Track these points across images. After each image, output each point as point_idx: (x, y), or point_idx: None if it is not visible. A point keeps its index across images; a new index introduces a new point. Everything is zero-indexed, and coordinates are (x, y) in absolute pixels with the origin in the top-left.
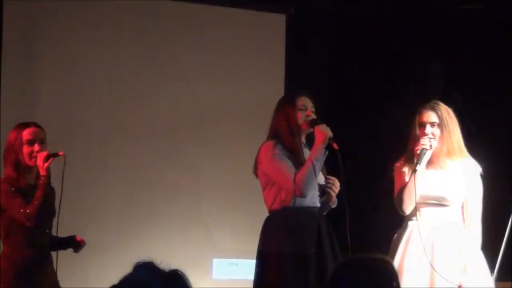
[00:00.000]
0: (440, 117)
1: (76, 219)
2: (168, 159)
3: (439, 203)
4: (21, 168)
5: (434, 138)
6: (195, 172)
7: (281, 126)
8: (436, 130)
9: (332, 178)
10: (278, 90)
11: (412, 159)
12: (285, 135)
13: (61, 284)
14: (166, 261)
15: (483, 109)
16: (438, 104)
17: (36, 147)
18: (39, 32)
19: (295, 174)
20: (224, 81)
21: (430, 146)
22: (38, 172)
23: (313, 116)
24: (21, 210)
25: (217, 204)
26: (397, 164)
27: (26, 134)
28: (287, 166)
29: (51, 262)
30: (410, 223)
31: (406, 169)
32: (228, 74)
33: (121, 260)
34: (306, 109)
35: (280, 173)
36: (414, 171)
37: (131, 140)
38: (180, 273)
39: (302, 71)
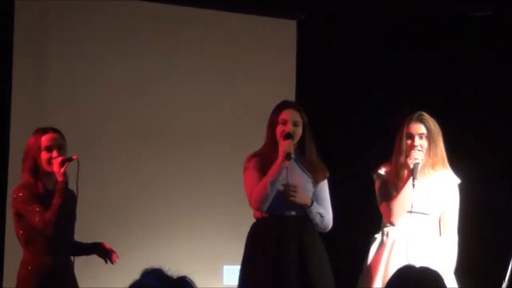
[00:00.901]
0: (428, 129)
1: (89, 224)
2: (182, 166)
3: (421, 212)
4: (39, 173)
5: (422, 150)
6: (207, 178)
7: (266, 138)
8: (424, 142)
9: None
10: (289, 96)
11: (400, 170)
12: (266, 148)
13: None
14: (177, 268)
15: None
16: (424, 115)
17: (54, 153)
18: (51, 33)
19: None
20: (235, 86)
21: (422, 159)
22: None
23: (291, 130)
24: (39, 217)
25: (228, 211)
26: (381, 173)
27: (45, 140)
28: (253, 179)
29: (71, 269)
30: (390, 231)
31: (394, 179)
32: (239, 80)
33: (132, 266)
34: (286, 123)
35: (246, 186)
36: (412, 185)
37: (144, 146)
38: (188, 279)
39: (313, 77)
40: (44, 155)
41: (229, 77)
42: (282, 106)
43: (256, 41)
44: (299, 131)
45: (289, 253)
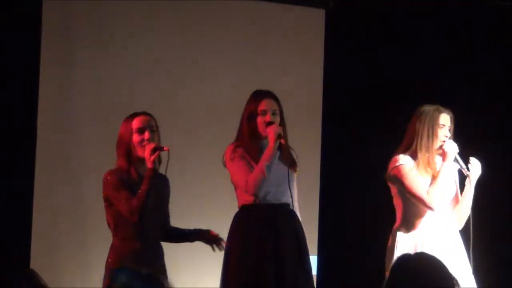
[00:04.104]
0: (451, 121)
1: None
2: (211, 157)
3: None
4: (132, 159)
5: None
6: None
7: (244, 129)
8: (449, 133)
9: None
10: (316, 85)
11: (433, 157)
12: (246, 139)
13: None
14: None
15: None
16: (449, 110)
17: (146, 135)
18: (78, 29)
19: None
20: (262, 75)
21: None
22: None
23: (273, 119)
24: (126, 204)
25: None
26: (407, 162)
27: (136, 122)
28: (243, 167)
29: (161, 256)
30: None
31: (426, 167)
32: (266, 69)
33: None
34: (266, 113)
35: (235, 175)
36: (467, 176)
37: (176, 137)
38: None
39: (341, 66)
40: (136, 138)
41: (256, 67)
42: (259, 96)
43: (284, 30)
44: (277, 119)
45: (288, 246)
